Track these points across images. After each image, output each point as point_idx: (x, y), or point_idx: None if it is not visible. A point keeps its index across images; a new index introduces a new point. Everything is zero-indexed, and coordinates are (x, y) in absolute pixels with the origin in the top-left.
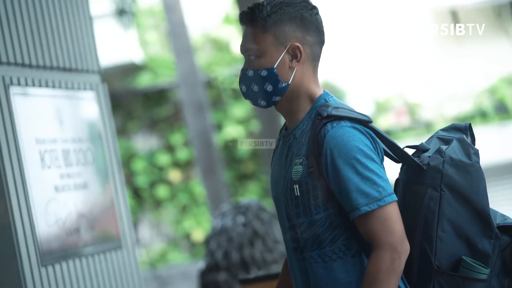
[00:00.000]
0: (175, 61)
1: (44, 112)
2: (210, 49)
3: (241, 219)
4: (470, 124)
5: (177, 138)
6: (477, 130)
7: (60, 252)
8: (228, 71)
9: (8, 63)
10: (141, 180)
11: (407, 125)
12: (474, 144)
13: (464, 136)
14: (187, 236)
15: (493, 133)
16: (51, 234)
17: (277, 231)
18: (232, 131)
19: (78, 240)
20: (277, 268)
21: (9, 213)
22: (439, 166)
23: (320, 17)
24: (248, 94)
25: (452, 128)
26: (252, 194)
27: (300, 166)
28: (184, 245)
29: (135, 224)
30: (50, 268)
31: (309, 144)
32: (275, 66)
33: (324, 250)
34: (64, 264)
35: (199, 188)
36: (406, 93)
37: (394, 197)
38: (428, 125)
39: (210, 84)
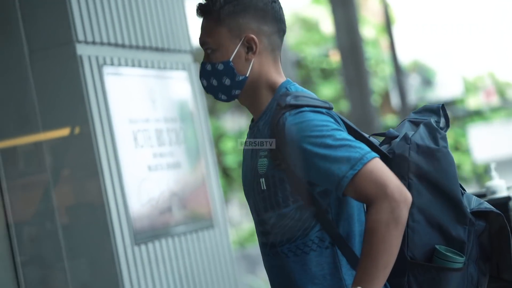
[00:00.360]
0: None
1: (136, 91)
2: (299, 29)
3: None
4: (443, 105)
5: None
6: None
7: (153, 231)
8: (317, 50)
9: (102, 43)
10: (230, 160)
11: (497, 105)
12: (448, 125)
13: (431, 120)
14: None
15: None
16: (144, 213)
17: None
18: None
19: (170, 219)
20: None
21: (103, 193)
22: (405, 154)
23: (277, 6)
24: (208, 89)
25: (424, 110)
26: None
27: (265, 159)
28: None
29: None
30: (143, 247)
31: (270, 135)
32: (231, 59)
33: (295, 243)
34: (156, 243)
35: None
36: (496, 72)
37: (375, 153)
38: None
39: (299, 63)
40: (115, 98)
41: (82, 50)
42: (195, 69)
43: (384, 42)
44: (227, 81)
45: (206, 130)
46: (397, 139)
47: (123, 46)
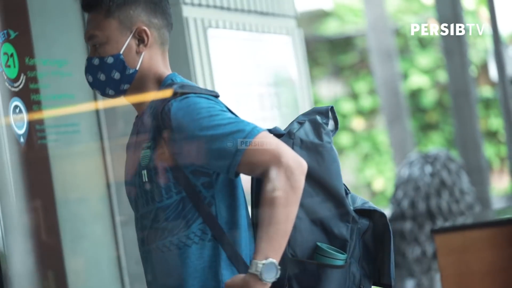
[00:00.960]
0: (364, 8)
1: (240, 55)
2: None
3: (428, 169)
4: (332, 107)
5: (361, 86)
6: None
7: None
8: (416, 19)
9: (207, 6)
10: None
11: None
12: (337, 127)
13: (318, 117)
14: (368, 185)
15: None
16: (243, 177)
17: (464, 182)
18: (418, 80)
19: None
20: (463, 220)
21: None
22: None
23: (166, 0)
24: (94, 84)
25: (313, 111)
26: (435, 144)
27: (148, 150)
28: (365, 194)
29: None
30: None
31: (155, 125)
32: (121, 52)
33: (177, 236)
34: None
35: (382, 137)
36: None
37: (263, 128)
38: None
39: (397, 32)
40: (219, 60)
41: (188, 12)
42: (299, 34)
43: (483, 13)
44: (117, 75)
45: (308, 96)
46: (282, 138)
47: (228, 9)
